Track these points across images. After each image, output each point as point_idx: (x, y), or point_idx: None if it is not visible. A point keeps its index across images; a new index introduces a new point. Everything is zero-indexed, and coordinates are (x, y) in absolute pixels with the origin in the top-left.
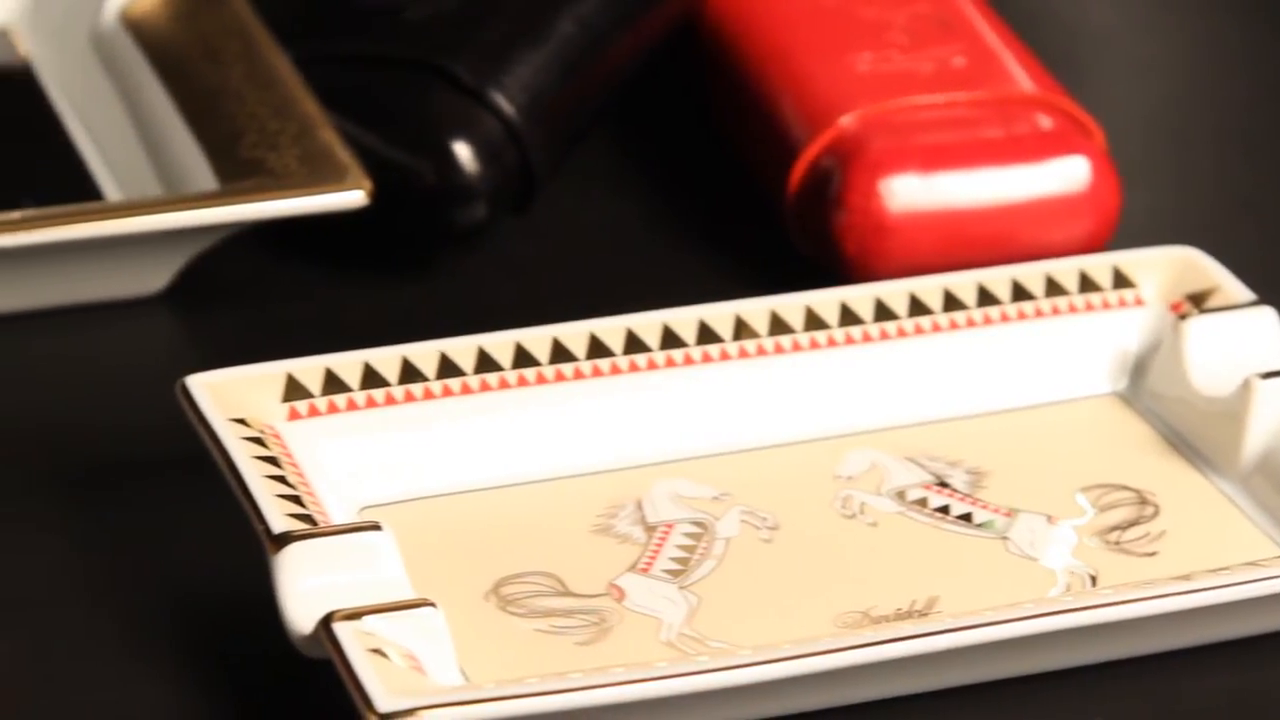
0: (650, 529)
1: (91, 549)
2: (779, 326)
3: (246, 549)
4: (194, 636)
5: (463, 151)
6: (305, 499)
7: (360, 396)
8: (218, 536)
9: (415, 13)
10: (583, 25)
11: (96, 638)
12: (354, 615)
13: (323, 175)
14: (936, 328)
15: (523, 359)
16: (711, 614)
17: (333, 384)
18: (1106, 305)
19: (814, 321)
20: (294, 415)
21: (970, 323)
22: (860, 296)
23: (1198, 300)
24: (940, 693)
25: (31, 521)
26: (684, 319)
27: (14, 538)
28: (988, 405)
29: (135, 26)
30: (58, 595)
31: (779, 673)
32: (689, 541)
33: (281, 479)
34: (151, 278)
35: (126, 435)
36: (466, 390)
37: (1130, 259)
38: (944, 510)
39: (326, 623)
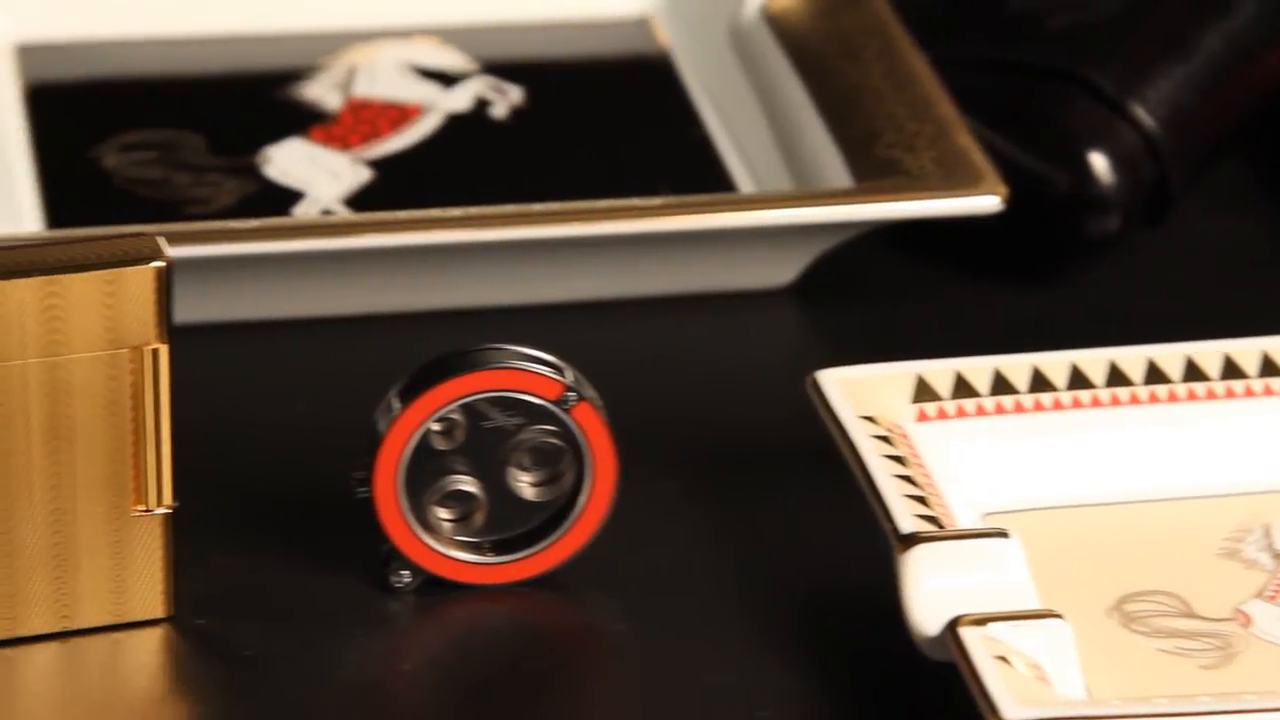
0: (1279, 556)
1: (719, 533)
2: None
3: (869, 546)
4: (815, 626)
5: (1100, 163)
6: (931, 501)
7: (989, 402)
8: (840, 530)
9: (1059, 19)
10: (1230, 42)
11: (720, 619)
12: (981, 621)
13: (958, 178)
14: None
15: (1154, 375)
16: None
17: (962, 388)
18: None
19: None
20: (922, 417)
21: None
22: None
23: None
24: None
25: (665, 506)
26: None
27: (648, 521)
28: None
29: (775, 22)
30: (686, 577)
31: None
32: None
33: (908, 479)
34: (781, 270)
35: (753, 424)
36: (1096, 403)
37: None
38: None
39: (953, 626)
